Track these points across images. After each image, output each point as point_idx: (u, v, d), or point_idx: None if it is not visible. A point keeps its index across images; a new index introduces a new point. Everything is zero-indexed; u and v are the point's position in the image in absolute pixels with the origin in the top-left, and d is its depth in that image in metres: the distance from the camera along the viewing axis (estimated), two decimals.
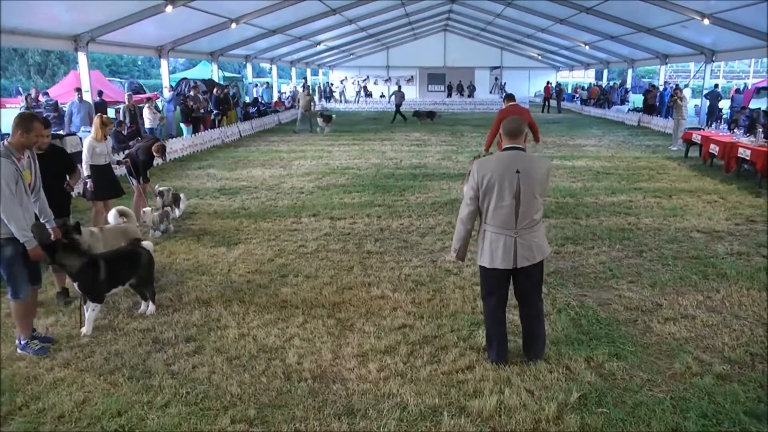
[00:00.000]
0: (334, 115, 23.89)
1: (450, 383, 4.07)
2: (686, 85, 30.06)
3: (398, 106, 28.27)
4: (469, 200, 4.10)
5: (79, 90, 15.25)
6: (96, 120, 7.70)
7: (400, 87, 32.59)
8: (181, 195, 9.01)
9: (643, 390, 3.97)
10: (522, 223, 4.00)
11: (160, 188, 8.45)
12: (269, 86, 32.77)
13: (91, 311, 4.91)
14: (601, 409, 3.73)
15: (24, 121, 4.42)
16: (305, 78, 40.59)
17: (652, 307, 5.41)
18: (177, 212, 8.70)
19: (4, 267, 4.40)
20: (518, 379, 4.11)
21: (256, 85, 31.33)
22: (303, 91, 24.72)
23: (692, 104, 24.55)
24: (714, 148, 12.93)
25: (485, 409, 3.72)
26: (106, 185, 7.68)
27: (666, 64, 27.39)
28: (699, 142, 14.19)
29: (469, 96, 42.75)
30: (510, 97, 9.70)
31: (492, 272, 4.14)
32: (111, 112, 17.20)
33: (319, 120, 21.89)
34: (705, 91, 23.32)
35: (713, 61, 22.91)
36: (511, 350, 4.47)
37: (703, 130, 15.69)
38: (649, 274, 6.28)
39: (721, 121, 16.84)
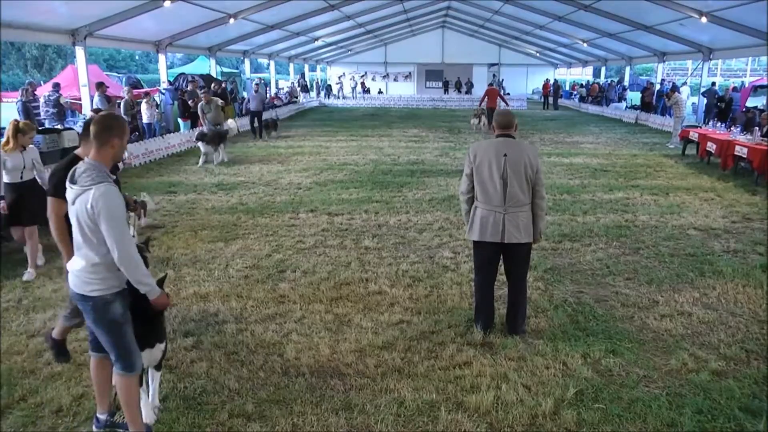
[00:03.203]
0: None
1: (447, 379, 4.09)
2: (684, 83, 30.11)
3: (257, 113, 18.68)
4: (465, 177, 4.65)
5: (101, 85, 15.14)
6: (9, 126, 5.96)
7: (258, 87, 19.74)
8: (146, 198, 8.36)
9: (639, 386, 3.99)
10: (510, 202, 4.44)
11: (138, 200, 7.58)
12: (262, 82, 31.60)
13: (157, 380, 3.79)
14: (598, 405, 3.75)
15: (112, 122, 3.10)
16: (302, 73, 40.43)
17: (649, 303, 5.43)
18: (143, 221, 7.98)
19: (113, 331, 3.14)
20: (515, 374, 4.13)
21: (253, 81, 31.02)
22: (214, 98, 15.13)
23: (690, 102, 24.57)
24: (711, 146, 12.97)
25: (482, 405, 3.74)
26: (21, 209, 5.94)
27: (664, 61, 27.44)
28: (696, 140, 14.24)
29: (466, 92, 42.70)
30: (491, 84, 19.25)
31: (482, 246, 4.62)
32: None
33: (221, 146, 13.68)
34: (702, 89, 23.35)
35: (711, 59, 22.97)
36: (509, 346, 4.51)
37: (700, 127, 15.73)
38: (645, 271, 6.30)
39: (717, 119, 16.92)
